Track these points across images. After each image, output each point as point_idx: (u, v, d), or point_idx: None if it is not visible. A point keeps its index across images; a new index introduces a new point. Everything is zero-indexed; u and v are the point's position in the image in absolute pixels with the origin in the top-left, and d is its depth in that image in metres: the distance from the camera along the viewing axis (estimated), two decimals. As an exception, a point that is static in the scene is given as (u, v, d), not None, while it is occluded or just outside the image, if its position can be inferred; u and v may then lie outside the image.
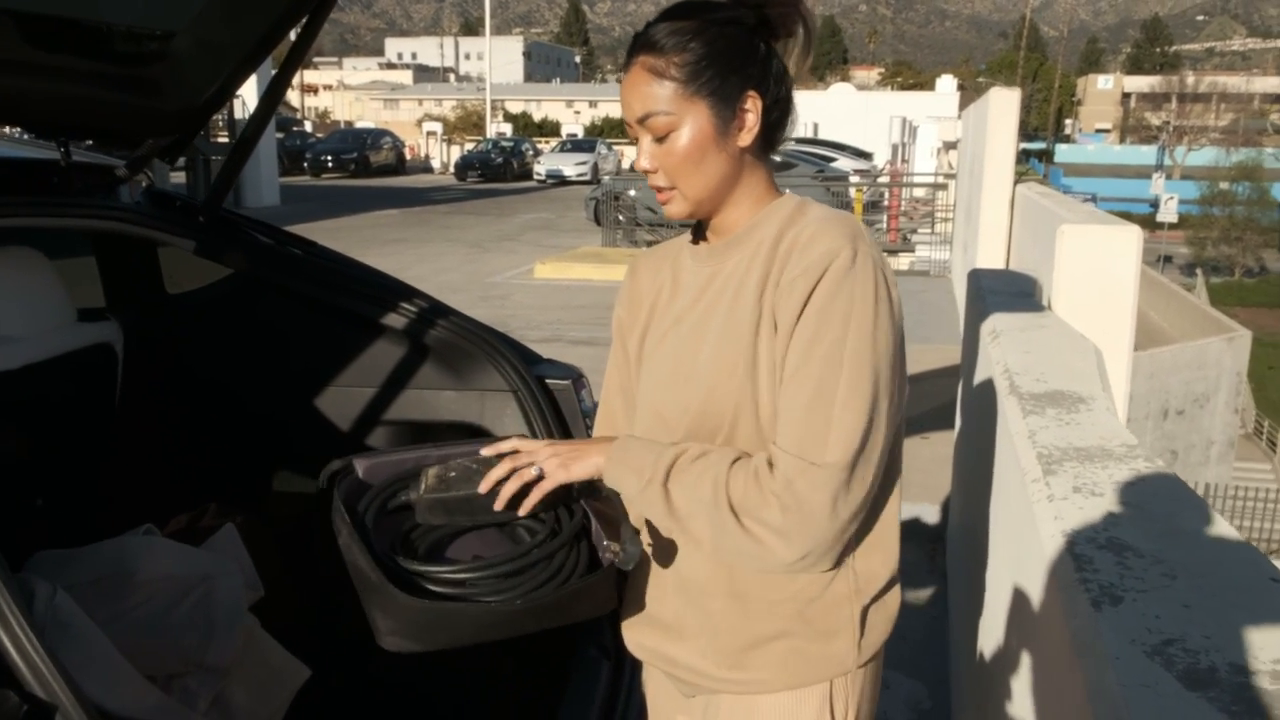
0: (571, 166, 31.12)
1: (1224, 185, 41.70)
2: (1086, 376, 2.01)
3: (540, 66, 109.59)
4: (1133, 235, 3.70)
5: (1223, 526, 1.20)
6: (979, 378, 2.34)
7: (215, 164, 15.85)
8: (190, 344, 2.16)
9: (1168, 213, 33.52)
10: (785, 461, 1.09)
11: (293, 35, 1.92)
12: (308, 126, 46.03)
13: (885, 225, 15.72)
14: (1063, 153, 60.19)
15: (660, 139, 1.18)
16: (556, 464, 1.20)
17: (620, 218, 15.42)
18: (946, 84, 44.96)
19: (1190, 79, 76.38)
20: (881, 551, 1.22)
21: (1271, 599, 1.06)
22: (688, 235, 1.34)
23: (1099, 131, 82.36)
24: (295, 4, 1.77)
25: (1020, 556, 1.33)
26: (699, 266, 1.27)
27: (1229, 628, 0.97)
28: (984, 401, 2.13)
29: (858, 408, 1.09)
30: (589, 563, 1.18)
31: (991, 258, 6.76)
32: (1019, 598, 1.39)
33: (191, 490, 2.13)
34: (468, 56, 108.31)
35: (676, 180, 1.19)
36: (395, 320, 2.01)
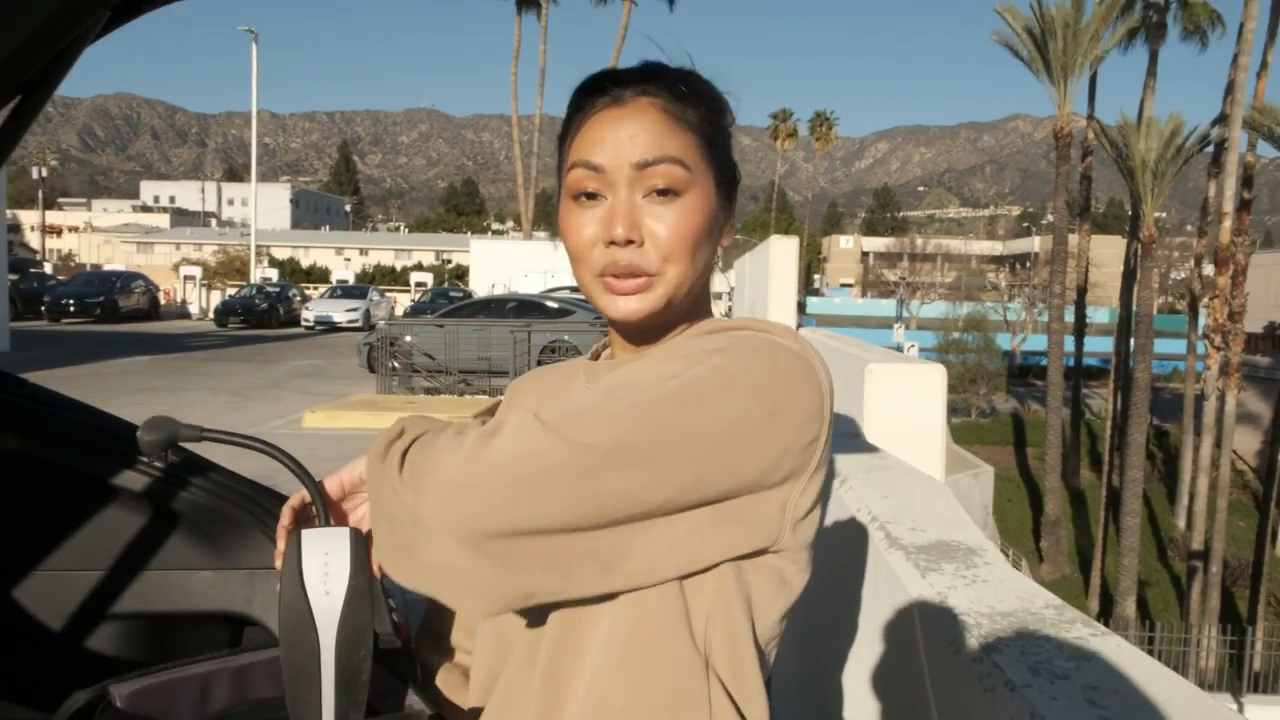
0: (342, 312, 30.16)
1: (955, 335, 45.86)
2: (959, 522, 1.83)
3: (309, 214, 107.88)
4: (938, 373, 3.72)
5: (1224, 711, 0.99)
6: (832, 525, 2.12)
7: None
8: None
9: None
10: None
11: None
12: (48, 268, 42.58)
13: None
14: (813, 304, 64.62)
15: (662, 192, 0.87)
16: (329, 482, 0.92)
17: (396, 364, 14.85)
18: (710, 239, 47.50)
19: (919, 241, 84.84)
20: None
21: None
22: (583, 359, 1.03)
23: (843, 286, 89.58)
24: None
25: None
26: (592, 380, 0.96)
27: None
28: (850, 554, 1.89)
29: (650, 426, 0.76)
30: None
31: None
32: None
33: None
34: (231, 202, 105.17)
35: (669, 261, 0.88)
36: (132, 479, 1.54)
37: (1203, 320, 28.63)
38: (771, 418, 0.78)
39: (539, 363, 15.03)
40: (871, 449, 2.69)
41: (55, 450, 1.53)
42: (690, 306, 0.93)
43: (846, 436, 2.95)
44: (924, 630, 1.33)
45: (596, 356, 1.02)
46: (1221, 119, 25.91)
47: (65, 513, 1.55)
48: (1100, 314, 44.94)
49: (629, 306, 0.88)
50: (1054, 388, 27.18)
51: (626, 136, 0.87)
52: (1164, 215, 26.85)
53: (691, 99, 0.90)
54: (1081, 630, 1.21)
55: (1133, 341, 26.98)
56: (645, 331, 0.93)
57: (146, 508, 1.57)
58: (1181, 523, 27.64)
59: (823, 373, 0.84)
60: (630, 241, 0.87)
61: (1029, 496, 30.90)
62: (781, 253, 7.06)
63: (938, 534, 1.71)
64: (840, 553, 1.98)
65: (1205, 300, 28.01)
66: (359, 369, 17.75)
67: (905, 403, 3.53)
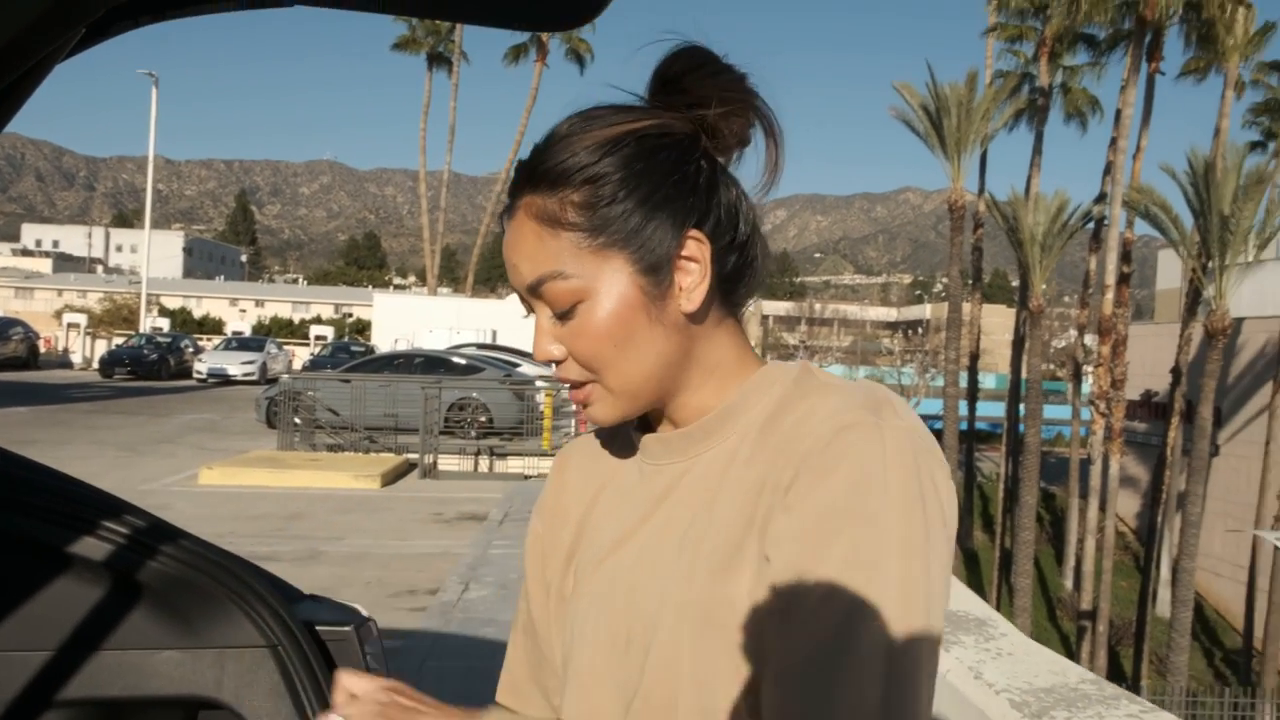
0: (237, 365, 29.21)
1: (854, 398, 46.98)
2: (953, 588, 1.81)
3: (202, 263, 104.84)
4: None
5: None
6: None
7: None
8: None
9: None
10: None
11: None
12: (-87, 313, 40.20)
13: (575, 427, 15.88)
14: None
15: (564, 314, 0.81)
16: None
17: (298, 420, 14.38)
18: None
19: (817, 306, 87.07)
20: None
21: None
22: (630, 430, 0.92)
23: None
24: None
25: None
26: (652, 465, 0.87)
27: None
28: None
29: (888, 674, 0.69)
30: None
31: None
32: None
33: None
34: (120, 248, 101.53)
35: (596, 370, 0.81)
36: (90, 547, 1.38)
37: (1086, 387, 29.95)
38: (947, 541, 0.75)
39: (447, 419, 14.74)
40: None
41: None
42: (684, 376, 0.84)
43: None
44: (960, 708, 1.30)
45: (642, 425, 0.92)
46: (1101, 198, 27.45)
47: (7, 585, 1.39)
48: (988, 380, 46.55)
49: (592, 415, 0.84)
50: (949, 451, 27.92)
51: (515, 260, 0.82)
52: (1046, 287, 28.10)
53: (572, 176, 0.79)
54: (1130, 707, 1.20)
55: (1022, 407, 28.00)
56: (643, 413, 0.86)
57: (105, 579, 1.41)
58: (1069, 583, 28.56)
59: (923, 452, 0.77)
60: (555, 360, 0.83)
61: (924, 558, 31.57)
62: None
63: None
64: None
65: (1089, 368, 29.33)
66: (256, 424, 17.14)
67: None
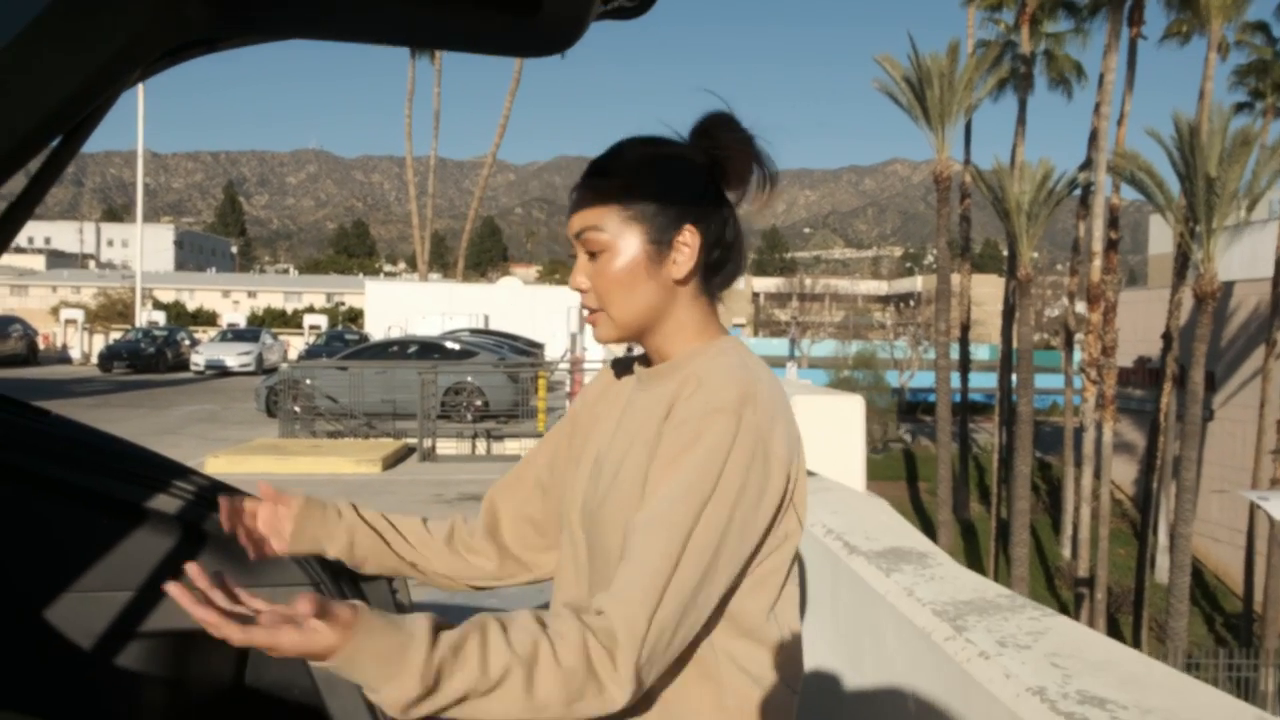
0: (234, 356, 29.28)
1: (846, 373, 47.13)
2: (906, 532, 2.02)
3: (193, 255, 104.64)
4: (856, 403, 3.96)
5: (1164, 669, 1.18)
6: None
7: None
8: None
9: (807, 397, 37.01)
10: (598, 621, 1.01)
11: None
12: (-90, 313, 40.19)
13: (568, 408, 16.03)
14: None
15: (594, 257, 1.19)
16: (262, 635, 0.91)
17: (298, 408, 14.57)
18: (607, 281, 48.15)
19: (808, 281, 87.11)
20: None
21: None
22: (636, 363, 1.33)
23: (736, 325, 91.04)
24: (45, 122, 1.46)
25: (969, 715, 1.23)
26: (635, 389, 1.27)
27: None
28: (811, 562, 2.07)
29: (678, 575, 1.03)
30: None
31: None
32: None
33: None
34: (111, 243, 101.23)
35: (605, 302, 1.19)
36: (164, 503, 1.61)
37: (1078, 356, 30.17)
38: (740, 501, 1.08)
39: (443, 404, 14.94)
40: (809, 474, 2.88)
41: (87, 476, 1.60)
42: (662, 324, 1.20)
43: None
44: (895, 620, 1.50)
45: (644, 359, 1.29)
46: (1087, 164, 27.56)
47: (97, 536, 1.62)
48: (981, 351, 46.78)
49: (597, 332, 1.21)
50: (943, 423, 28.12)
51: (574, 214, 1.20)
52: (1036, 255, 28.23)
53: (611, 176, 1.18)
54: (1033, 613, 1.40)
55: (1014, 377, 28.22)
56: (630, 341, 1.23)
57: (176, 530, 1.64)
58: (1067, 552, 28.80)
59: (778, 436, 1.11)
60: (582, 289, 1.21)
61: (922, 530, 31.62)
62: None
63: (890, 542, 1.90)
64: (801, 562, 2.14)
65: (1080, 336, 29.54)
66: (256, 413, 17.32)
67: (827, 431, 3.75)
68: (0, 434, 1.62)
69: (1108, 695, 1.09)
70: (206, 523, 1.62)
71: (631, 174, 1.17)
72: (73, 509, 1.62)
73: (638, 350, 1.32)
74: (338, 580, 1.65)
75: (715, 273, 1.22)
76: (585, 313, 1.23)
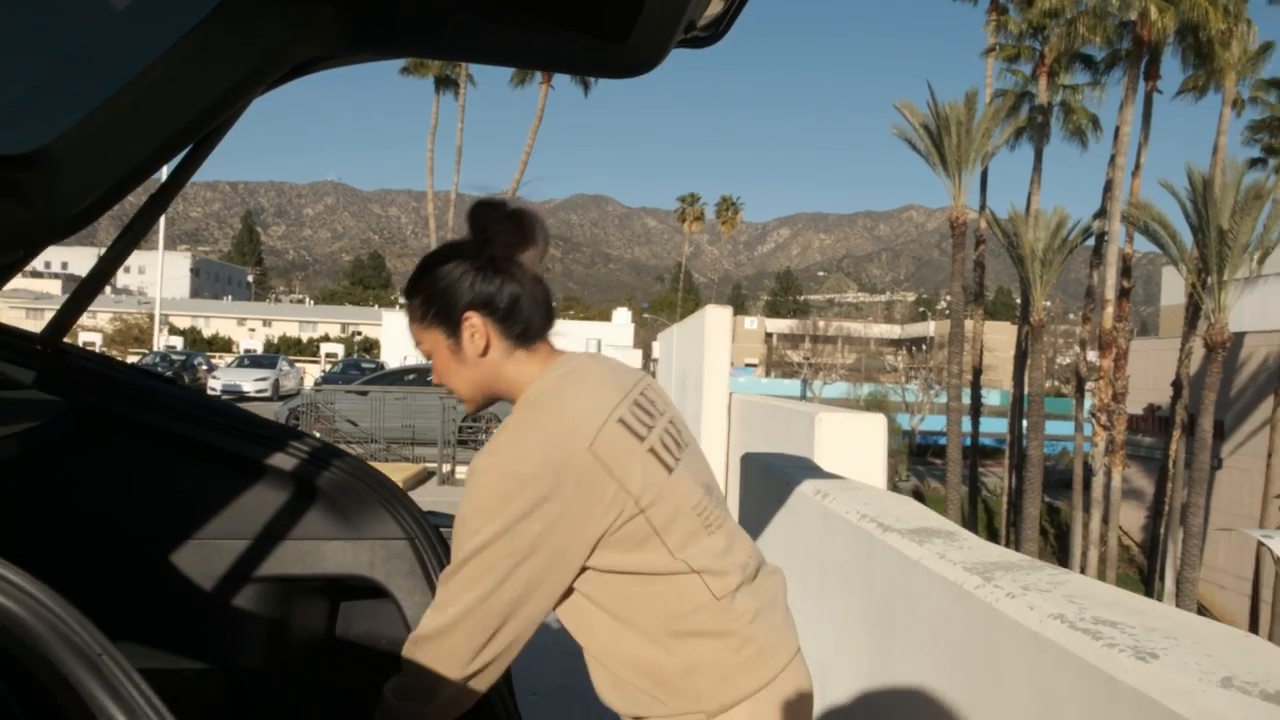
0: (251, 382, 29.59)
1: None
2: (933, 517, 2.21)
3: (209, 283, 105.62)
4: (878, 422, 4.15)
5: (1168, 607, 1.36)
6: (820, 526, 2.48)
7: None
8: (13, 498, 1.80)
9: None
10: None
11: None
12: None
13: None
14: (721, 383, 65.55)
15: (430, 358, 1.48)
16: None
17: (319, 432, 14.80)
18: (622, 315, 48.53)
19: (820, 323, 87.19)
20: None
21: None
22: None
23: (748, 365, 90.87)
24: (187, 127, 1.67)
25: (997, 643, 1.42)
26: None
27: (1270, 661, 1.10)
28: (847, 541, 2.25)
29: (465, 600, 1.32)
30: None
31: (712, 454, 7.19)
32: (1029, 672, 1.46)
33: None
34: (127, 269, 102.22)
35: (450, 389, 1.49)
36: (279, 460, 1.81)
37: (1089, 403, 30.26)
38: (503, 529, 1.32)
39: (462, 429, 15.15)
40: (836, 476, 3.07)
41: (213, 435, 1.80)
42: (499, 385, 1.46)
43: (807, 469, 3.33)
44: (928, 578, 1.69)
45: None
46: (1101, 213, 27.83)
47: (221, 490, 1.82)
48: (992, 396, 46.80)
49: (465, 407, 1.53)
50: (953, 465, 28.19)
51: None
52: (1049, 304, 28.43)
53: (410, 297, 1.46)
54: (1053, 571, 1.59)
55: (1025, 421, 28.29)
56: (487, 405, 1.51)
57: (289, 485, 1.84)
58: (1073, 596, 28.62)
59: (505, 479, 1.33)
60: (439, 383, 1.49)
61: (930, 571, 31.60)
62: (716, 324, 7.47)
63: (919, 523, 2.09)
64: (836, 541, 2.33)
65: (1091, 383, 29.64)
66: (274, 437, 17.55)
67: (851, 447, 3.94)
68: (137, 398, 1.82)
69: (1119, 619, 1.28)
70: (319, 479, 1.82)
71: (417, 290, 1.44)
72: (200, 464, 1.82)
73: None
74: (426, 535, 1.85)
75: (517, 330, 1.44)
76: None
